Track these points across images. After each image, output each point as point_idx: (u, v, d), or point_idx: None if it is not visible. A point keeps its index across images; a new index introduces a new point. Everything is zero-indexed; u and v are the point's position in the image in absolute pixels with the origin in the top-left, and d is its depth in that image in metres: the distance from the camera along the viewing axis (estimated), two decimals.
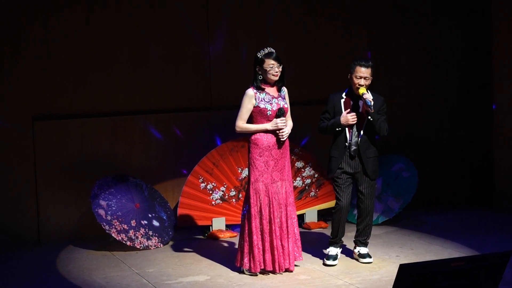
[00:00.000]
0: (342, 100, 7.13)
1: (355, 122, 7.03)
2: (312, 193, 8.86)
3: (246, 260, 6.93)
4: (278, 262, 6.92)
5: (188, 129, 8.92)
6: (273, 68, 6.89)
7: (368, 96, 6.93)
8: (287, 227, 6.95)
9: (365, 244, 7.35)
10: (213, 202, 8.59)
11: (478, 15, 9.75)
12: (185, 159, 8.84)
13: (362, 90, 6.97)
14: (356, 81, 7.02)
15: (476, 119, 9.85)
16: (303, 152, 8.84)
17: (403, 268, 4.44)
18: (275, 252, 6.91)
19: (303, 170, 8.84)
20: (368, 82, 7.02)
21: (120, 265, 7.54)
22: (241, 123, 6.96)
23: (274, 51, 6.92)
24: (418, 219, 8.99)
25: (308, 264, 7.30)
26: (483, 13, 9.64)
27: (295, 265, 7.09)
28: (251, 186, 6.92)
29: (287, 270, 6.99)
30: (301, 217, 8.82)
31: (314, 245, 7.88)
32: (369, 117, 7.00)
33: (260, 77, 6.93)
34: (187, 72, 8.95)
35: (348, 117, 7.02)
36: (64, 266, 7.55)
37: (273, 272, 6.95)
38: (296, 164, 8.81)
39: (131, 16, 8.72)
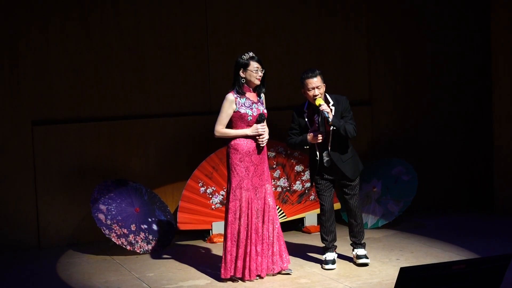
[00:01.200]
0: (305, 115, 7.18)
1: (321, 140, 7.08)
2: (312, 197, 8.84)
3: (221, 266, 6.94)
4: (249, 269, 6.85)
5: (187, 133, 8.92)
6: (257, 72, 6.90)
7: (325, 108, 6.99)
8: (262, 232, 6.89)
9: (361, 245, 7.35)
10: (212, 206, 8.58)
11: (478, 16, 9.74)
12: (184, 163, 8.84)
13: (318, 101, 7.03)
14: (310, 93, 7.06)
15: (475, 122, 9.84)
16: (302, 155, 8.83)
17: (403, 272, 4.44)
18: (247, 259, 6.84)
19: (302, 174, 8.83)
20: (322, 90, 7.08)
21: (120, 269, 7.54)
22: (221, 128, 6.94)
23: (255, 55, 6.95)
24: (418, 222, 8.98)
25: (308, 268, 7.29)
26: (483, 14, 9.63)
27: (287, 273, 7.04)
28: (231, 192, 6.90)
29: (260, 276, 6.91)
30: (301, 221, 8.83)
31: (313, 249, 7.88)
32: (333, 127, 7.04)
33: (243, 81, 6.93)
34: (186, 76, 8.94)
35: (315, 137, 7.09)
36: (64, 271, 7.54)
37: (242, 279, 6.86)
38: (295, 168, 8.81)
39: (129, 21, 8.72)
